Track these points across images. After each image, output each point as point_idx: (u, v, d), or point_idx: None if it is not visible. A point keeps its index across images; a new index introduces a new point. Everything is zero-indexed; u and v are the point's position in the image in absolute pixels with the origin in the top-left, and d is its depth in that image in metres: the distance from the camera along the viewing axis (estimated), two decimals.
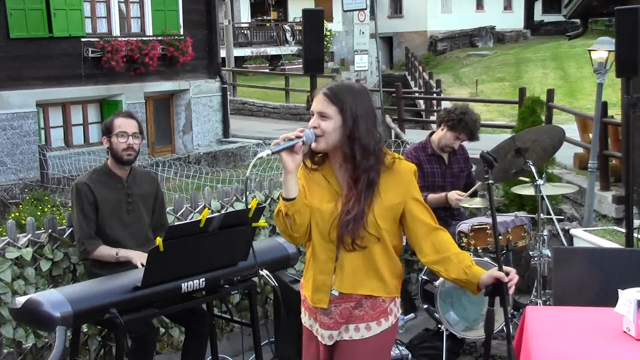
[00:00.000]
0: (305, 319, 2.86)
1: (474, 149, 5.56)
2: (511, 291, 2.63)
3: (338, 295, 2.70)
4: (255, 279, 3.86)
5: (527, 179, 5.00)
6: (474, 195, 4.93)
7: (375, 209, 2.62)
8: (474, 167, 5.27)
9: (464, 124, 4.77)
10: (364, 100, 2.64)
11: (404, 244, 2.93)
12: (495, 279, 2.62)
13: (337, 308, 2.71)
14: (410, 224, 2.70)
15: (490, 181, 2.89)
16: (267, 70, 29.28)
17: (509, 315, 4.49)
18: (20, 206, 10.24)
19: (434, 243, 2.68)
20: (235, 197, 4.91)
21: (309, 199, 2.66)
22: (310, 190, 2.68)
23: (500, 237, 4.68)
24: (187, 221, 4.27)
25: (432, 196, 4.79)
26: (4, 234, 4.05)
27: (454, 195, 4.76)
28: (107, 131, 3.89)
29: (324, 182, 2.68)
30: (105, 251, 3.79)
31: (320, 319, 2.75)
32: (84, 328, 4.03)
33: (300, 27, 8.05)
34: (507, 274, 2.62)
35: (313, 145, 2.59)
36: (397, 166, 2.69)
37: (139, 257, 3.70)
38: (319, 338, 2.77)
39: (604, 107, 7.76)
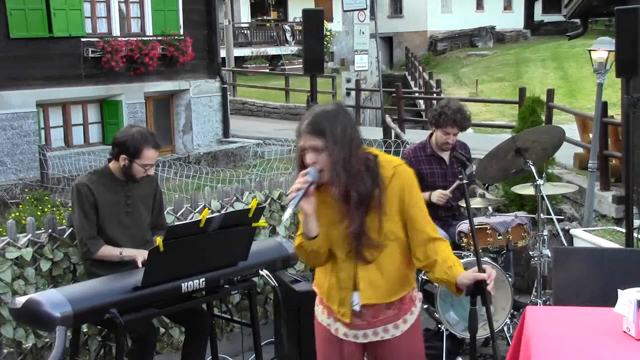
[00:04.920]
0: (324, 317, 2.88)
1: (477, 149, 5.58)
2: (489, 288, 2.66)
3: (363, 307, 2.75)
4: (255, 279, 3.87)
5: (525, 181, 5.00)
6: (472, 194, 4.92)
7: (383, 218, 2.67)
8: (474, 167, 5.27)
9: (445, 117, 4.77)
10: (340, 120, 2.65)
11: None
12: (474, 278, 2.66)
13: (368, 310, 2.77)
14: (409, 231, 2.75)
15: (465, 181, 3.03)
16: (267, 70, 29.25)
17: (509, 315, 4.53)
18: (21, 206, 10.24)
19: (426, 250, 2.73)
20: (235, 197, 4.90)
21: (320, 220, 2.69)
22: (321, 212, 2.70)
23: (500, 237, 4.70)
24: (187, 221, 4.27)
25: None
26: (4, 234, 4.05)
27: (436, 193, 4.79)
28: (133, 155, 3.76)
29: (331, 201, 2.70)
30: (108, 251, 3.78)
31: (353, 322, 2.79)
32: (84, 328, 4.03)
33: (300, 27, 8.02)
34: (485, 272, 2.66)
35: (320, 180, 2.63)
36: (399, 173, 2.72)
37: (144, 256, 3.68)
38: (351, 338, 2.81)
39: (604, 107, 7.75)
